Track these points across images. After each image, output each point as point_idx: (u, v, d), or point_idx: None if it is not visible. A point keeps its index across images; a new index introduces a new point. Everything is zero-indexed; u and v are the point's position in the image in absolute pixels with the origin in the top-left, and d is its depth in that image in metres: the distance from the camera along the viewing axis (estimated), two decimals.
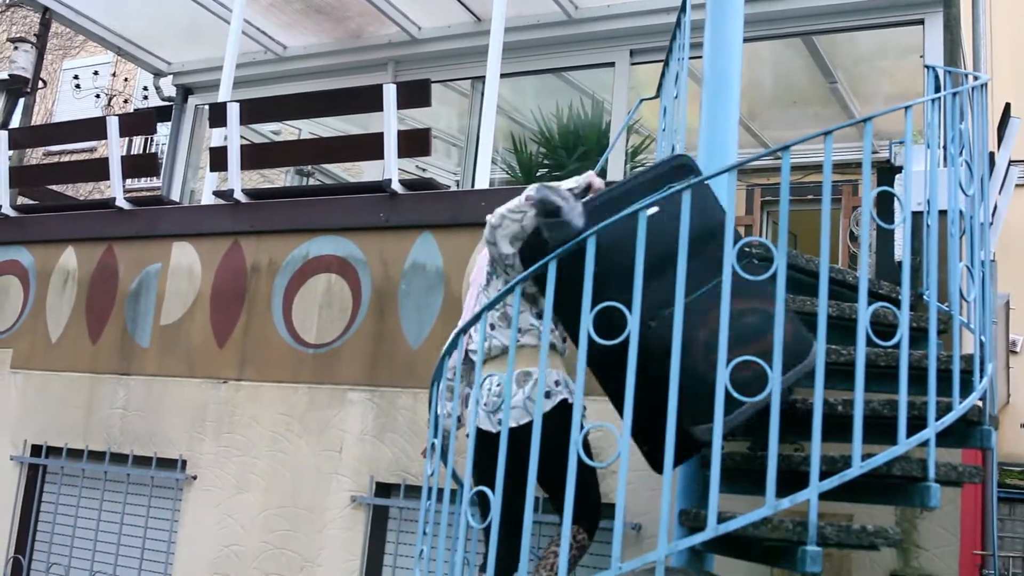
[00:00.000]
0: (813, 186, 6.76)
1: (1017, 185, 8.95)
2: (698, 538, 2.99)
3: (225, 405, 6.28)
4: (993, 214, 6.42)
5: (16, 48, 9.64)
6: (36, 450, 6.96)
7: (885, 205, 5.11)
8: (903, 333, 3.10)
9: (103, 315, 6.92)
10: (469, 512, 3.31)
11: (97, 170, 8.06)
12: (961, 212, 3.86)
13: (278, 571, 5.84)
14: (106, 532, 6.61)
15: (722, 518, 2.94)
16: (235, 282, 6.46)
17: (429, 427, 3.74)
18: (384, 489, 5.72)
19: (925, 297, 4.33)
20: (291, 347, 6.14)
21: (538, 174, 9.21)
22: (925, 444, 3.08)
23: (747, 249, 3.25)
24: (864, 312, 3.04)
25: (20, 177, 8.41)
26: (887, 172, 6.16)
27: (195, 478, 6.26)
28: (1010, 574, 7.32)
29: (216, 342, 6.41)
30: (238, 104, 6.70)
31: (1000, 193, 6.89)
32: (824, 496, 2.93)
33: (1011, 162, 6.98)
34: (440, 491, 3.59)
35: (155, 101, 10.44)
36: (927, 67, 5.24)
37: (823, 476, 2.91)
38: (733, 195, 3.20)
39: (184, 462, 6.35)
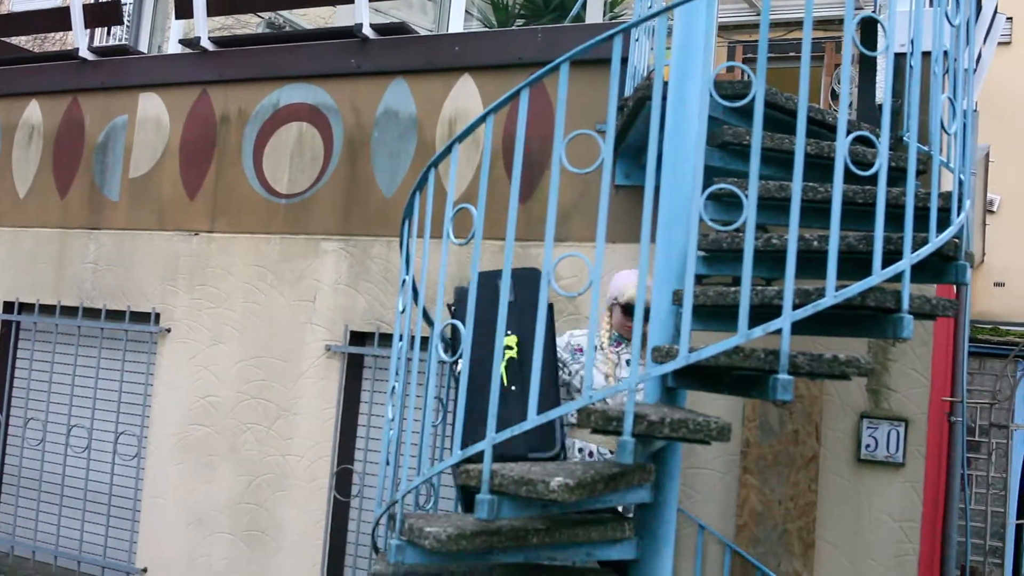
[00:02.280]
0: (795, 43, 6.63)
1: (1000, 43, 8.82)
2: (670, 366, 2.97)
3: (197, 257, 6.21)
4: (977, 62, 6.31)
5: None
6: (8, 307, 6.91)
7: (868, 62, 5.02)
8: (881, 163, 3.04)
9: (71, 169, 6.79)
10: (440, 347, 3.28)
11: (59, 19, 7.79)
12: (945, 53, 3.75)
13: (254, 421, 5.87)
14: (82, 387, 6.60)
15: (694, 350, 2.92)
16: (204, 133, 6.32)
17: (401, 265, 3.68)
18: (358, 338, 5.71)
19: (905, 139, 4.26)
20: (263, 198, 6.04)
21: (514, 24, 8.99)
22: (900, 279, 3.05)
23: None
24: (843, 139, 2.97)
25: None
26: (871, 23, 6.02)
27: (169, 331, 6.23)
28: (977, 423, 7.43)
29: (186, 194, 6.30)
30: None
31: (985, 43, 6.75)
32: (797, 330, 2.91)
33: (996, 11, 6.83)
34: (412, 337, 3.55)
35: None
36: None
37: (797, 308, 2.89)
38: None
39: (158, 315, 6.31)
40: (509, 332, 3.93)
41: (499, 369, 3.11)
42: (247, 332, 5.97)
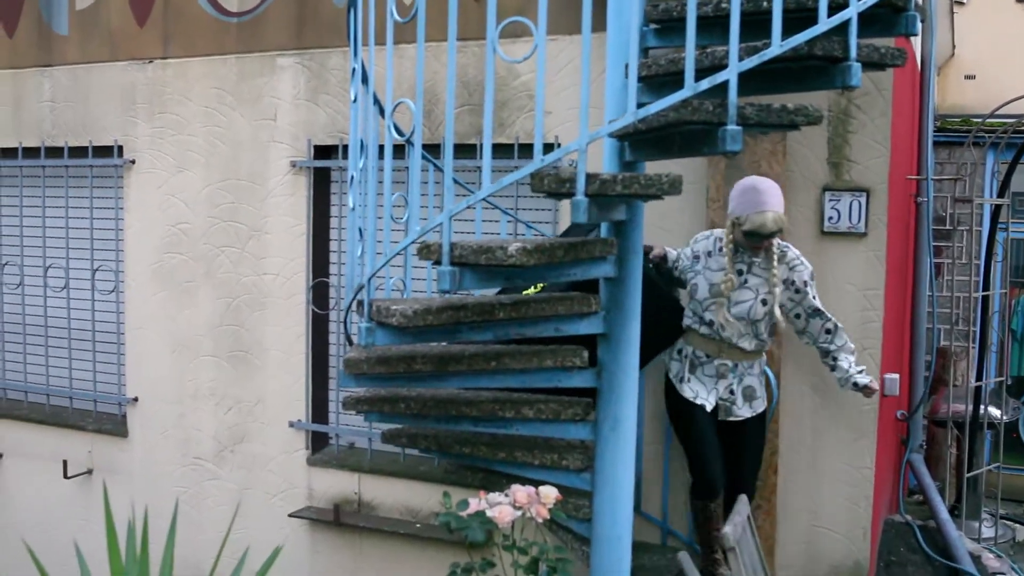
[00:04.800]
0: None
1: None
2: (616, 124, 2.98)
3: (154, 85, 6.12)
4: None
5: None
6: None
7: None
8: None
9: (15, 6, 6.60)
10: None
11: None
12: None
13: (227, 243, 5.89)
14: (53, 227, 6.61)
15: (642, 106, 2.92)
16: None
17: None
18: (323, 151, 5.69)
19: None
20: (214, 18, 5.91)
21: None
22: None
23: None
24: None
25: None
26: None
27: (134, 162, 6.19)
28: (947, 212, 7.50)
29: (136, 21, 6.16)
30: None
31: None
32: (746, 86, 2.90)
33: None
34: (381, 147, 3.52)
35: None
36: None
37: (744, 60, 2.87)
38: None
39: (120, 148, 6.26)
40: None
41: None
42: (211, 156, 5.93)
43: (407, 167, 3.41)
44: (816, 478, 4.68)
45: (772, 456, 4.65)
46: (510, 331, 3.59)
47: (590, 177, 2.97)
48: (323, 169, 5.73)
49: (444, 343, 3.90)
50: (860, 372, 4.35)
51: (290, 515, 5.70)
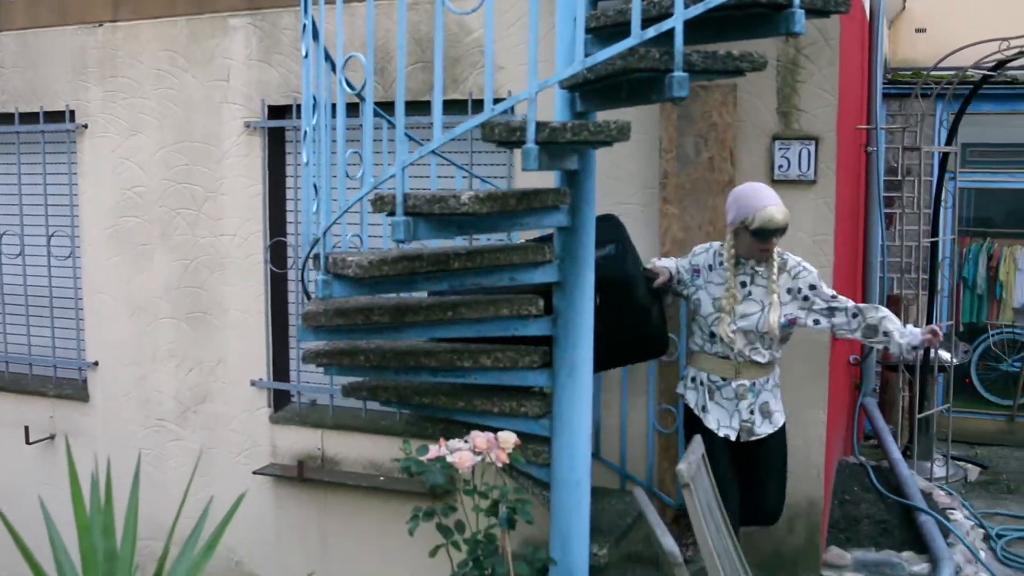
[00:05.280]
0: None
1: None
2: (565, 72, 3.02)
3: (105, 49, 6.07)
4: None
5: None
6: None
7: None
8: None
9: None
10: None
11: None
12: None
13: (183, 206, 5.89)
14: (6, 194, 6.58)
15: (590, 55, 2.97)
16: None
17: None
18: (277, 111, 5.68)
19: None
20: None
21: None
22: None
23: None
24: None
25: None
26: None
27: (86, 127, 6.16)
28: (900, 163, 7.62)
29: None
30: None
31: None
32: (692, 33, 2.94)
33: None
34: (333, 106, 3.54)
35: None
36: None
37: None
38: None
39: (72, 112, 6.22)
40: None
41: None
42: (165, 119, 5.91)
43: (361, 125, 3.43)
44: None
45: None
46: (466, 281, 3.64)
47: (540, 125, 3.02)
48: (278, 129, 5.73)
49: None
50: (910, 332, 4.33)
51: (254, 472, 5.74)
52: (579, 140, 3.10)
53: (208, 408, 5.99)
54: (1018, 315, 9.11)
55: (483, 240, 4.95)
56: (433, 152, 3.18)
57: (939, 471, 6.67)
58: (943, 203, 6.75)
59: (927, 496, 5.61)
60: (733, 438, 4.33)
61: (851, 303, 4.36)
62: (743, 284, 4.31)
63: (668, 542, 2.79)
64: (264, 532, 5.86)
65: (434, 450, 3.40)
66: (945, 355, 6.71)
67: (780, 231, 4.18)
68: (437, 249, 3.64)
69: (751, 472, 4.41)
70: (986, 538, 5.76)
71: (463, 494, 3.50)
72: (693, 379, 4.44)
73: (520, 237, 4.64)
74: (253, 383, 5.84)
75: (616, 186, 4.81)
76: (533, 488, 4.22)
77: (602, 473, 4.87)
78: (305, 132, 3.61)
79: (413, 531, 3.38)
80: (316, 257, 3.55)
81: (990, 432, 8.41)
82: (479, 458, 3.41)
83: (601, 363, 3.98)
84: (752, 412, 4.33)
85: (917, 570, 4.79)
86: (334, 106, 3.45)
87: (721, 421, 4.34)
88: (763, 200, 4.17)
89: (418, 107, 4.92)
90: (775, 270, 4.28)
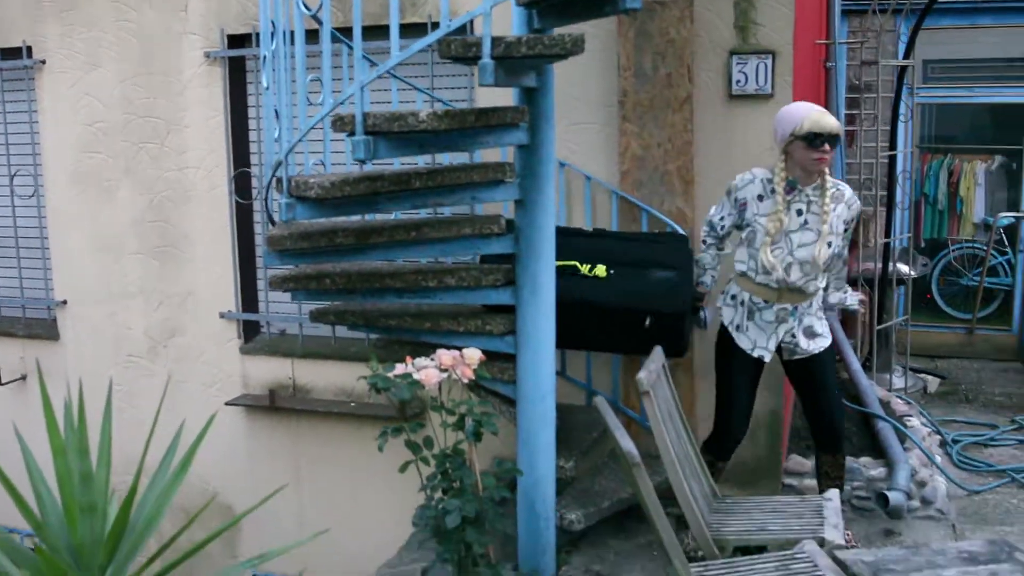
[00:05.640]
0: None
1: None
2: None
3: None
4: None
5: None
6: None
7: None
8: None
9: None
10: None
11: None
12: None
13: (146, 140, 5.88)
14: None
15: None
16: None
17: None
18: (236, 40, 5.66)
19: None
20: None
21: None
22: None
23: None
24: None
25: None
26: None
27: (44, 62, 6.10)
28: (862, 81, 7.68)
29: None
30: None
31: None
32: None
33: None
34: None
35: None
36: None
37: None
38: None
39: (30, 48, 6.16)
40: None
41: None
42: (124, 52, 5.87)
43: (321, 51, 3.44)
44: None
45: None
46: (428, 200, 3.69)
47: (495, 40, 3.05)
48: (238, 59, 5.70)
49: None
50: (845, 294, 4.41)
51: (226, 403, 5.81)
52: (534, 54, 3.14)
53: (178, 342, 6.04)
54: (978, 230, 9.24)
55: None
56: (393, 75, 3.22)
57: (899, 382, 6.82)
58: (902, 118, 6.82)
59: (885, 405, 5.75)
60: (767, 360, 4.21)
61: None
62: (799, 212, 4.05)
63: (626, 444, 2.88)
64: (238, 462, 5.94)
65: (400, 368, 3.48)
66: (903, 268, 6.83)
67: (833, 137, 3.94)
68: (399, 169, 3.68)
69: (808, 387, 4.30)
70: (943, 444, 5.94)
71: (431, 411, 3.58)
72: (733, 297, 4.25)
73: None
74: (222, 315, 5.88)
75: (576, 105, 4.85)
76: (501, 406, 4.31)
77: (569, 391, 4.97)
78: (264, 57, 3.63)
79: (382, 447, 3.46)
80: (280, 181, 3.59)
81: (950, 345, 8.58)
82: (445, 375, 3.49)
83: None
84: (794, 335, 4.17)
85: (874, 474, 4.93)
86: (294, 32, 3.46)
87: (757, 342, 4.19)
88: (809, 108, 3.99)
89: (377, 32, 4.88)
90: (828, 199, 4.04)
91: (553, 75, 3.75)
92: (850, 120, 7.89)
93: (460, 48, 3.10)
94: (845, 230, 4.17)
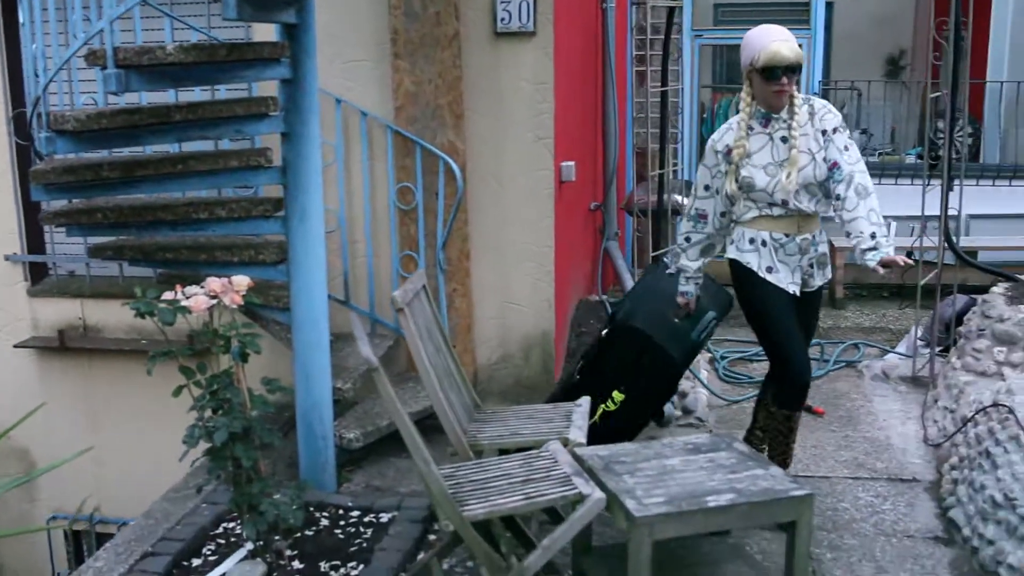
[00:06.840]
0: None
1: None
2: None
3: None
4: None
5: None
6: None
7: None
8: None
9: None
10: None
11: None
12: None
13: None
14: None
15: None
16: None
17: None
18: None
19: None
20: None
21: None
22: None
23: None
24: None
25: None
26: None
27: None
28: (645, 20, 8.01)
29: None
30: None
31: None
32: None
33: None
34: None
35: None
36: None
37: None
38: None
39: None
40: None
41: None
42: None
43: None
44: (502, 260, 5.15)
45: (464, 243, 5.09)
46: (191, 134, 3.81)
47: None
48: None
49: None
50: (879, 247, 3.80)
51: (15, 347, 5.79)
52: None
53: None
54: None
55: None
56: (167, 15, 3.28)
57: None
58: (674, 56, 7.20)
59: None
60: (798, 293, 4.02)
61: (852, 171, 3.87)
62: (783, 140, 3.89)
63: (365, 350, 3.09)
64: (31, 406, 5.91)
65: (169, 295, 3.60)
66: (678, 198, 7.23)
67: (792, 69, 3.79)
68: (158, 103, 3.78)
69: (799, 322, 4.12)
70: (712, 360, 6.40)
71: (203, 336, 3.72)
72: (752, 240, 3.99)
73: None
74: (7, 258, 5.83)
75: (348, 43, 5.00)
76: (280, 333, 4.50)
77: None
78: None
79: (151, 371, 3.60)
80: (40, 116, 3.65)
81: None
82: (215, 301, 3.63)
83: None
84: (812, 265, 4.05)
85: None
86: None
87: (786, 279, 3.99)
88: (769, 36, 3.82)
89: None
90: (804, 117, 3.90)
91: (314, 12, 3.90)
92: (640, 60, 8.25)
93: None
94: (839, 144, 3.90)
